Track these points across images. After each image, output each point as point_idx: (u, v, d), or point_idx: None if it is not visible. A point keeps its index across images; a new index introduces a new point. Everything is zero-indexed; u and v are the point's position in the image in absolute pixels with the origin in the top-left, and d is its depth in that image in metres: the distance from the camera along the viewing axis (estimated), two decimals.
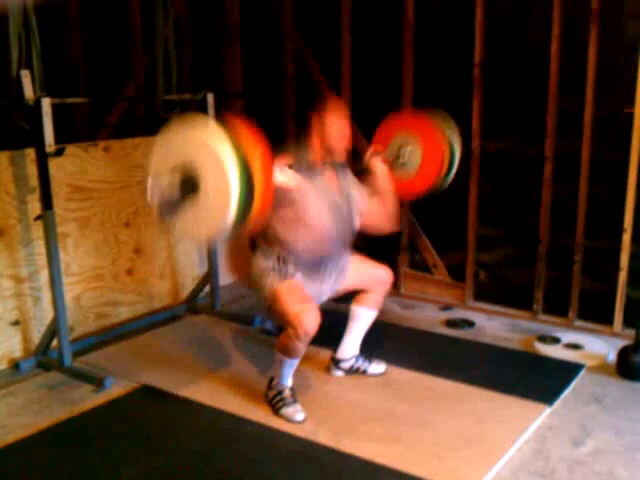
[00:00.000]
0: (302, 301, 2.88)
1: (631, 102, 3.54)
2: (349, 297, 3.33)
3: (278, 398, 3.00)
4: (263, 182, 2.47)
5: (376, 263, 3.32)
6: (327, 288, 3.15)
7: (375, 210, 3.12)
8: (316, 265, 3.07)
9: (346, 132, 3.02)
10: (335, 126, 2.98)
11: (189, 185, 2.48)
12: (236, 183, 2.38)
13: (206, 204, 2.47)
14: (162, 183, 2.52)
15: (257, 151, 2.49)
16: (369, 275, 3.27)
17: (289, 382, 3.02)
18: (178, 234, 2.63)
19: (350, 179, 3.18)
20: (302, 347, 2.85)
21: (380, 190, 3.15)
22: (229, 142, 2.42)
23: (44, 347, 3.53)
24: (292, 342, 2.82)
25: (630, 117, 3.55)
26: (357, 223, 2.97)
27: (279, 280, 2.94)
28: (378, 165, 3.21)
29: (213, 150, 2.40)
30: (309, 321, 2.77)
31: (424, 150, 3.44)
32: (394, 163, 3.36)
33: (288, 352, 2.88)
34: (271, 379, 3.06)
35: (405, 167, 3.43)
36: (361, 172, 3.23)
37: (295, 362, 2.96)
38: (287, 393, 3.00)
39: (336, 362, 3.38)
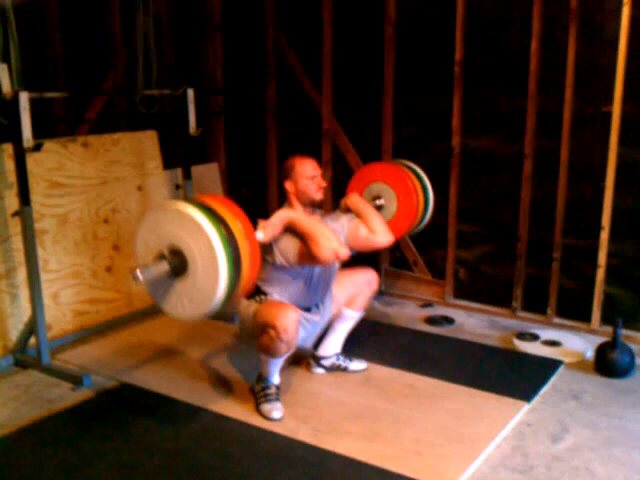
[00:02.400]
0: (279, 305, 2.89)
1: (609, 101, 3.57)
2: None
3: (262, 393, 3.00)
4: (250, 258, 2.56)
5: (358, 268, 3.35)
6: (320, 323, 3.22)
7: (364, 232, 3.12)
8: (308, 308, 3.11)
9: (317, 170, 3.06)
10: (305, 166, 3.04)
11: (178, 266, 2.55)
12: (224, 265, 2.47)
13: (195, 284, 2.54)
14: (150, 265, 2.56)
15: (240, 225, 2.57)
16: (353, 284, 3.32)
17: (276, 379, 3.03)
18: (168, 313, 2.72)
19: (334, 216, 3.22)
20: (284, 347, 2.84)
21: (361, 215, 3.17)
22: (212, 221, 2.49)
23: (22, 345, 3.49)
24: (273, 343, 2.81)
25: (608, 116, 3.59)
26: (344, 252, 2.97)
27: (258, 304, 2.97)
28: (351, 199, 3.25)
29: (200, 231, 2.47)
30: (287, 318, 2.77)
31: (399, 201, 3.62)
32: None
33: (271, 353, 2.88)
34: (259, 374, 3.06)
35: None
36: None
37: (280, 361, 2.96)
38: (271, 390, 3.00)
39: (317, 359, 3.38)
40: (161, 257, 2.56)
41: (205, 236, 2.46)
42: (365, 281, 3.33)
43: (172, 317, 2.73)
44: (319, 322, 3.20)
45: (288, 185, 3.05)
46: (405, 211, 3.62)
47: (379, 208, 3.62)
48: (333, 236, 2.86)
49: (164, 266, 2.54)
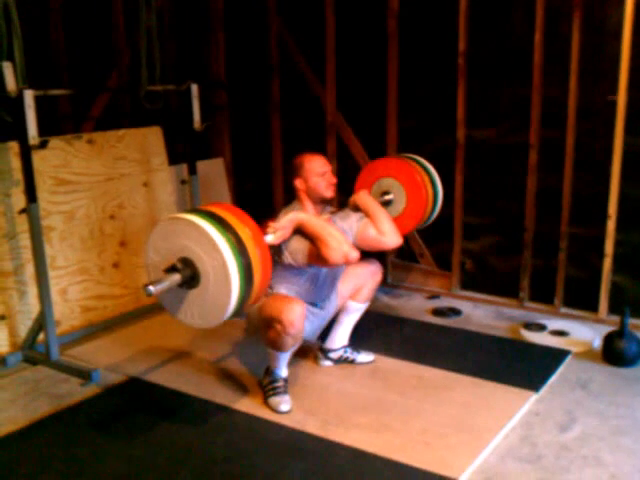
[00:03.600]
0: (285, 298, 2.89)
1: (614, 90, 3.56)
2: None
3: (270, 386, 3.01)
4: (261, 269, 2.56)
5: (362, 260, 3.33)
6: (326, 316, 3.24)
7: (372, 232, 3.11)
8: (314, 303, 3.13)
9: (327, 167, 3.06)
10: (315, 162, 3.04)
11: (189, 277, 2.54)
12: (236, 281, 2.46)
13: (206, 297, 2.54)
14: (162, 278, 2.54)
15: (249, 231, 2.56)
16: (357, 276, 3.31)
17: (284, 372, 3.04)
18: (190, 325, 2.71)
19: (343, 215, 3.19)
20: (291, 341, 2.85)
21: (370, 215, 3.15)
22: (223, 233, 2.49)
23: (31, 341, 3.51)
24: (280, 337, 2.82)
25: (613, 105, 3.57)
26: (354, 255, 2.93)
27: (265, 297, 2.96)
28: (360, 197, 3.22)
29: (213, 247, 2.46)
30: (293, 312, 2.78)
31: (408, 195, 3.59)
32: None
33: (277, 347, 2.89)
34: (267, 367, 3.07)
35: (388, 210, 3.49)
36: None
37: (287, 355, 2.97)
38: (280, 383, 3.01)
39: (325, 352, 3.39)
40: (173, 269, 2.55)
41: (219, 253, 2.45)
42: (369, 273, 3.33)
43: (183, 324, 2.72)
44: (324, 316, 3.21)
45: (298, 183, 3.04)
46: (414, 206, 3.61)
47: (388, 203, 3.60)
48: (343, 238, 2.85)
49: (176, 278, 2.53)
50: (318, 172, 3.03)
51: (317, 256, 2.83)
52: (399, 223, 3.34)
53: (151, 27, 3.80)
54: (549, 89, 3.80)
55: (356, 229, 3.13)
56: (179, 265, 2.54)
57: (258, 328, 3.01)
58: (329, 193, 3.05)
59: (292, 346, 2.90)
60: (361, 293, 3.32)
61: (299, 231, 2.87)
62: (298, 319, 2.80)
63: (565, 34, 3.66)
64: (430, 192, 3.65)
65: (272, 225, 2.81)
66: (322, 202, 3.09)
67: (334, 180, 3.08)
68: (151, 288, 2.46)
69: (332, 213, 3.19)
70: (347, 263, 2.90)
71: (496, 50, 3.97)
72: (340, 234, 2.87)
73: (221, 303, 2.52)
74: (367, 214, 3.16)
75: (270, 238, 2.75)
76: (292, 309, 2.79)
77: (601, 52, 3.63)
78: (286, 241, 2.87)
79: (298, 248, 2.88)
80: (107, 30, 4.39)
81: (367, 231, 3.11)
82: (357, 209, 3.22)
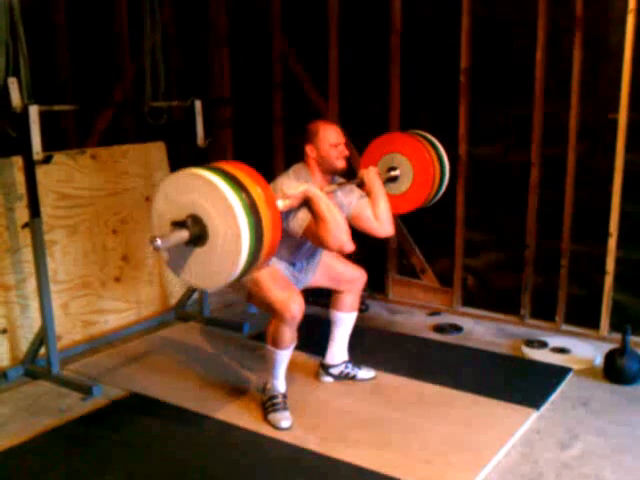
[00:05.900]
0: (285, 288, 2.91)
1: (615, 108, 3.58)
2: (328, 303, 3.39)
3: (269, 403, 3.01)
4: (271, 225, 2.49)
5: (348, 263, 3.33)
6: (301, 281, 3.21)
7: (369, 214, 3.08)
8: (293, 263, 3.12)
9: (341, 138, 3.03)
10: (329, 132, 3.01)
11: (197, 235, 2.46)
12: (246, 233, 2.39)
13: (212, 258, 2.47)
14: (170, 234, 2.47)
15: (260, 191, 2.48)
16: (339, 275, 3.29)
17: (282, 387, 3.04)
18: (187, 283, 2.63)
19: (347, 189, 3.16)
20: (290, 335, 2.88)
21: (371, 196, 3.12)
22: (233, 188, 2.41)
23: (32, 355, 3.51)
24: (280, 330, 2.86)
25: (614, 123, 3.59)
26: (349, 247, 2.88)
27: None
28: (368, 175, 3.18)
29: (221, 200, 2.39)
30: (295, 306, 2.82)
31: (415, 172, 3.52)
32: (384, 182, 3.35)
33: (277, 342, 2.90)
34: (265, 384, 3.07)
35: (394, 186, 3.45)
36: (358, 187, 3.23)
37: (285, 356, 2.97)
38: (279, 399, 3.01)
39: (325, 368, 3.38)
40: (181, 224, 2.46)
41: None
42: (350, 279, 3.30)
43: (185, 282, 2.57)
44: (300, 280, 3.18)
45: (309, 149, 3.01)
46: (422, 183, 3.53)
47: (394, 179, 3.55)
48: (345, 228, 2.81)
49: (184, 235, 2.45)
50: (331, 142, 2.99)
51: (314, 234, 2.81)
52: (403, 201, 3.27)
53: (155, 43, 3.83)
54: (550, 107, 3.82)
55: (353, 207, 3.09)
56: (188, 222, 2.46)
57: (248, 296, 3.02)
58: (340, 164, 3.01)
59: (290, 343, 2.91)
60: (346, 302, 3.31)
61: (306, 203, 2.83)
62: (299, 312, 2.83)
63: (566, 52, 3.69)
64: (437, 169, 3.58)
65: (283, 193, 2.79)
66: (332, 172, 3.05)
67: (346, 152, 3.04)
68: (159, 242, 2.38)
69: (339, 185, 3.13)
70: (339, 252, 2.88)
71: (498, 68, 3.99)
72: (344, 222, 2.83)
73: (225, 270, 2.44)
74: (369, 193, 3.12)
75: (280, 204, 2.70)
76: (293, 302, 2.82)
77: (602, 70, 3.66)
78: (292, 210, 2.84)
79: (300, 219, 2.85)
80: (111, 46, 4.42)
81: (364, 211, 3.07)
82: (362, 184, 3.18)
